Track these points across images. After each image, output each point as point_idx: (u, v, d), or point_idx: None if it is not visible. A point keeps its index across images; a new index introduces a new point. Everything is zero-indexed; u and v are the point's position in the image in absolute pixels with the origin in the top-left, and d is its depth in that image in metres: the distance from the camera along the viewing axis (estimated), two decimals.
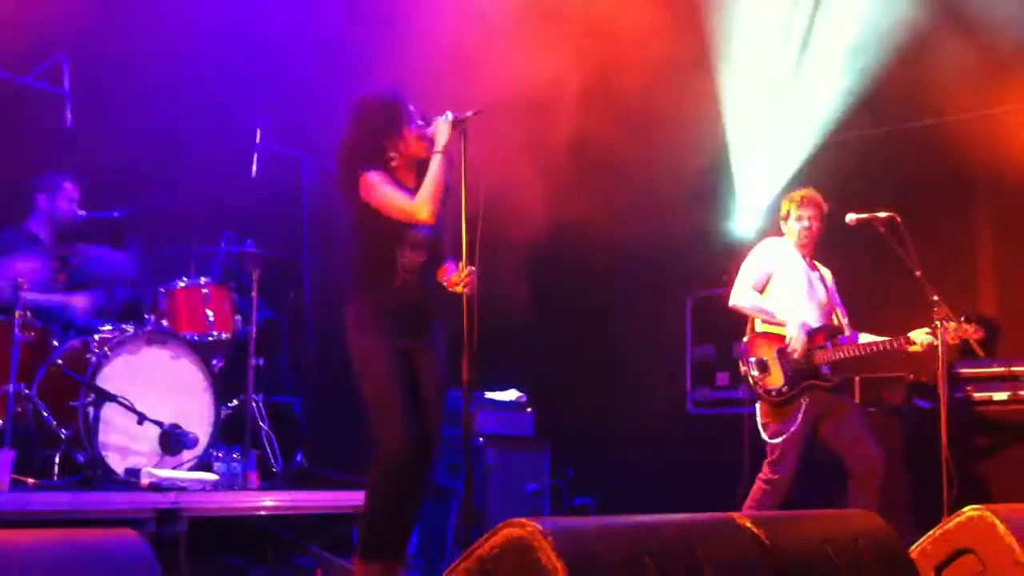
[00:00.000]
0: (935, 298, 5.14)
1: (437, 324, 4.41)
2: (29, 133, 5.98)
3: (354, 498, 5.34)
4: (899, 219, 5.27)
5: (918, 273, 5.16)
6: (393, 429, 4.16)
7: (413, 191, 4.31)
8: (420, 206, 4.21)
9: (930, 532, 3.46)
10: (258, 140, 6.53)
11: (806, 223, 5.53)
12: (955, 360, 5.95)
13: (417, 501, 4.36)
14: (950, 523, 3.43)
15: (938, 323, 5.12)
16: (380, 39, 6.58)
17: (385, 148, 4.33)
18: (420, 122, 4.34)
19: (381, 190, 4.24)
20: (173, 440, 5.35)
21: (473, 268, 4.14)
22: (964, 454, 5.54)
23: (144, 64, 6.39)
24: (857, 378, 6.29)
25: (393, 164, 4.34)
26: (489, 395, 6.79)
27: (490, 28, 6.34)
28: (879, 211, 5.33)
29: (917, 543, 3.44)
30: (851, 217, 5.42)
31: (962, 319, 5.14)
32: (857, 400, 6.20)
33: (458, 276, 4.16)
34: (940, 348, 5.11)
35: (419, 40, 6.40)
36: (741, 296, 5.51)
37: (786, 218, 5.60)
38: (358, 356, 4.26)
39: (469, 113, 4.19)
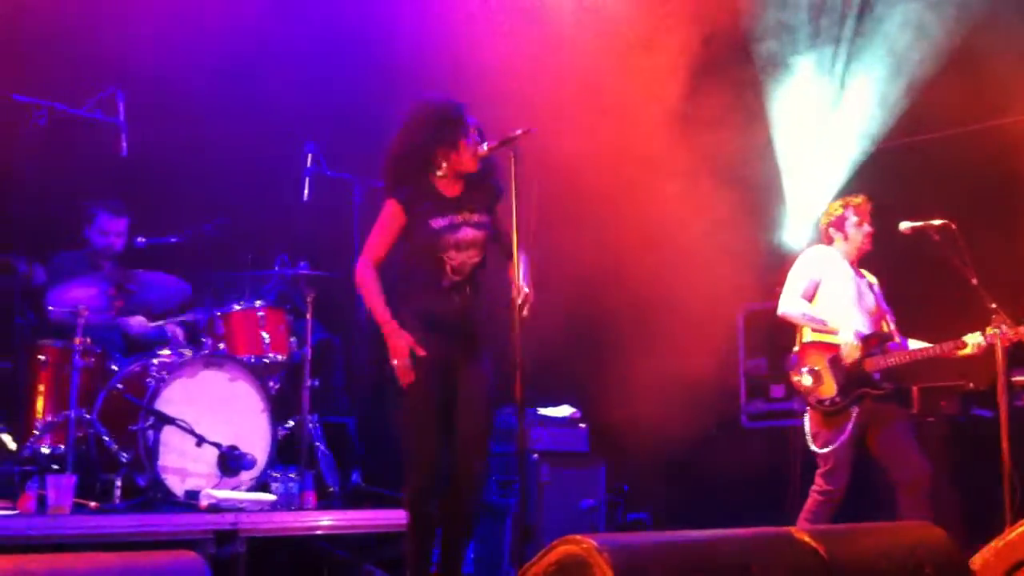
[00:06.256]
0: (993, 306, 5.06)
1: (484, 335, 4.39)
2: (87, 162, 6.09)
3: None
4: (954, 226, 5.20)
5: (974, 281, 5.09)
6: (418, 451, 4.18)
7: (454, 198, 4.37)
8: (356, 266, 4.36)
9: (992, 543, 3.41)
10: (309, 164, 6.61)
11: (867, 228, 5.49)
12: (1010, 368, 5.84)
13: (468, 516, 4.35)
14: (1012, 533, 3.38)
15: (996, 330, 5.04)
16: (431, 62, 6.64)
17: (436, 157, 4.37)
18: (476, 135, 4.37)
19: (377, 223, 4.39)
20: (231, 461, 5.41)
21: (527, 291, 4.15)
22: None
23: (198, 90, 6.51)
24: (915, 388, 6.21)
25: (440, 173, 4.39)
26: (542, 411, 6.78)
27: (541, 49, 6.39)
28: (930, 218, 5.28)
29: (979, 554, 3.39)
30: (905, 225, 5.36)
31: (1015, 323, 5.06)
32: (916, 410, 6.12)
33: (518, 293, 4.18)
34: (1000, 357, 5.02)
35: (472, 64, 6.43)
36: (790, 304, 5.46)
37: (840, 224, 5.52)
38: (391, 374, 4.26)
39: (519, 132, 4.19)
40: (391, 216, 4.37)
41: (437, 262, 4.31)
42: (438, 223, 4.31)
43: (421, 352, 4.17)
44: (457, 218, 4.33)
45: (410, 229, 4.35)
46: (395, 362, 4.19)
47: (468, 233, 4.33)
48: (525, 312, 4.13)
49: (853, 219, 5.51)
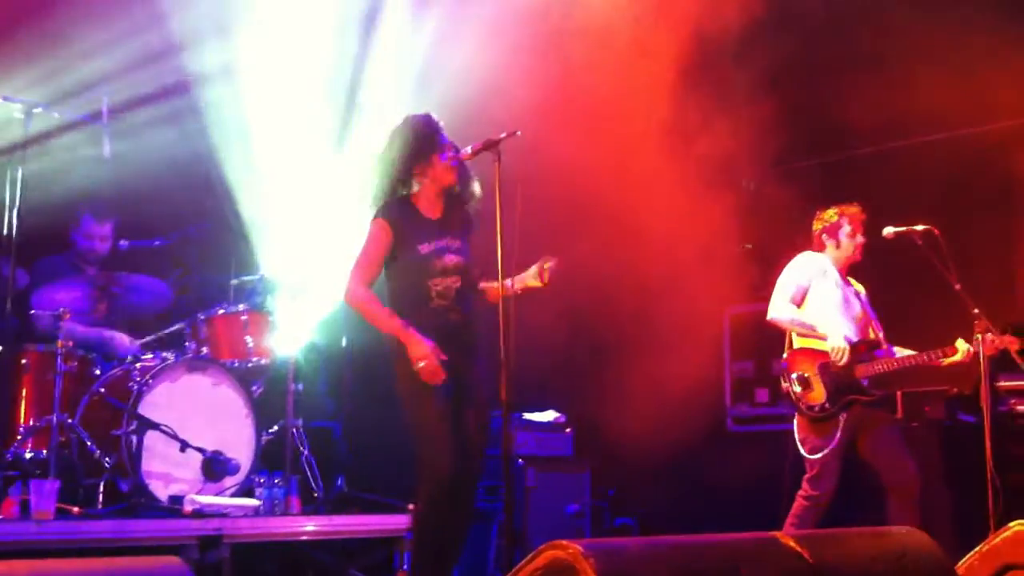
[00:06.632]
0: (975, 311, 5.08)
1: (477, 351, 4.45)
2: (72, 165, 6.07)
3: (395, 522, 5.38)
4: (937, 232, 5.22)
5: (957, 287, 5.11)
6: (436, 452, 4.21)
7: (437, 222, 4.45)
8: (347, 287, 4.39)
9: (977, 548, 3.42)
10: None
11: (860, 239, 5.50)
12: (995, 373, 5.86)
13: (465, 522, 4.42)
14: (997, 538, 3.39)
15: (979, 336, 5.06)
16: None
17: (414, 173, 4.42)
18: (451, 151, 4.41)
19: (366, 243, 4.42)
20: (215, 466, 5.38)
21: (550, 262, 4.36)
22: (1008, 468, 5.47)
23: (178, 94, 6.51)
24: (899, 393, 6.22)
25: (419, 191, 4.44)
26: (528, 416, 6.78)
27: (516, 50, 6.39)
28: (916, 223, 5.29)
29: (964, 559, 3.40)
30: (889, 230, 5.37)
31: (999, 330, 5.08)
32: (900, 415, 6.14)
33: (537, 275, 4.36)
34: (982, 362, 5.05)
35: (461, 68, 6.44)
36: (779, 310, 5.47)
37: (834, 232, 5.53)
38: (400, 380, 4.31)
39: (503, 135, 4.20)
40: (380, 236, 4.41)
41: (424, 288, 4.37)
42: (425, 249, 4.38)
43: (442, 356, 4.20)
44: (441, 243, 4.41)
45: (397, 251, 4.40)
46: (421, 364, 4.20)
47: (451, 259, 4.42)
48: (548, 268, 4.36)
49: (847, 228, 5.50)
